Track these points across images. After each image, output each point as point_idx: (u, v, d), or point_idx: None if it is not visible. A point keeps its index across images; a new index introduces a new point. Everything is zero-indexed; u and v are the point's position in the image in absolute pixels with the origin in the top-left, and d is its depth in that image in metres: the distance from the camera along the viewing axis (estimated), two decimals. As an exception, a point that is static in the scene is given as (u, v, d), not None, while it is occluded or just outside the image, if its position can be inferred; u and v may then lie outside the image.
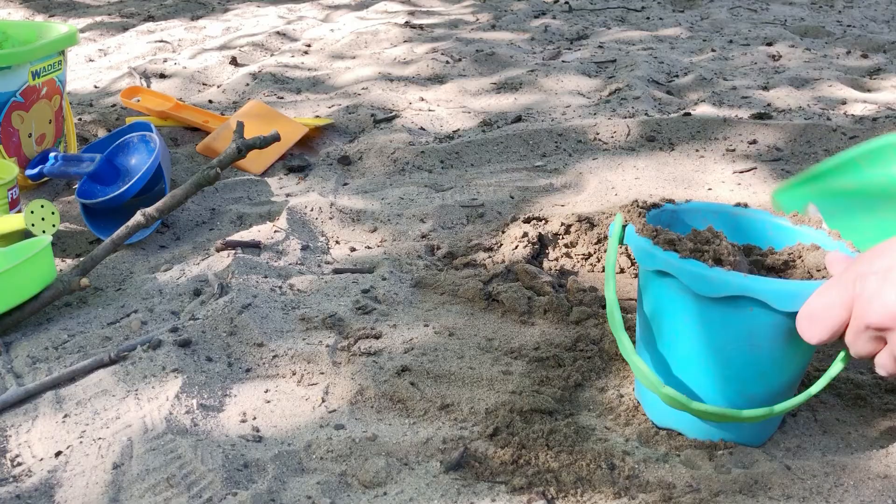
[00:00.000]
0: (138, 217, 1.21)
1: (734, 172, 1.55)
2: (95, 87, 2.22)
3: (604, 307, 1.11)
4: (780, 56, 2.49)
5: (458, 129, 1.84)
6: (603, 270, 1.28)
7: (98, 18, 3.16)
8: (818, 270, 0.82)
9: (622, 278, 1.26)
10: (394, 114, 1.90)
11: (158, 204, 1.24)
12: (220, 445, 0.82)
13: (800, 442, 0.85)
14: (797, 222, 0.90)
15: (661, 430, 0.85)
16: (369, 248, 1.32)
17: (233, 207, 1.45)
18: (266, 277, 1.17)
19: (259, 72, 2.27)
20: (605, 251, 1.30)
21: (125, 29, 2.98)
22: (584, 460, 0.80)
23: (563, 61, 2.41)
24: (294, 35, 2.85)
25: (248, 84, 2.18)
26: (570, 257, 1.29)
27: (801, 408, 0.90)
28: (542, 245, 1.30)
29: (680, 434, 0.85)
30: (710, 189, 1.48)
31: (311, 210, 1.40)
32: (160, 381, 0.93)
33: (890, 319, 0.66)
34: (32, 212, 1.24)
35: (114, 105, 2.03)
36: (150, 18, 3.18)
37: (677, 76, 2.27)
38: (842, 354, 0.75)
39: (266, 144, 1.35)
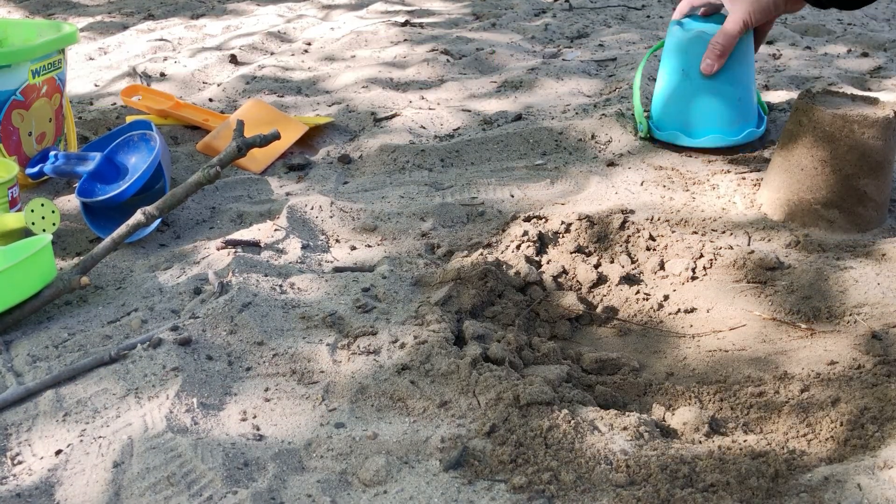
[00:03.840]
0: (138, 216, 1.21)
1: (735, 172, 1.55)
2: (95, 85, 2.22)
3: (603, 308, 1.11)
4: (781, 55, 2.49)
5: (459, 128, 1.84)
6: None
7: (98, 17, 3.16)
8: None
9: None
10: (394, 112, 1.90)
11: (158, 202, 1.24)
12: (220, 444, 0.82)
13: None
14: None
15: (660, 427, 0.85)
16: (369, 246, 1.32)
17: (233, 206, 1.45)
18: (266, 276, 1.17)
19: (259, 70, 2.27)
20: (608, 247, 1.30)
21: (125, 27, 2.98)
22: (583, 458, 0.80)
23: (563, 60, 2.40)
24: (294, 34, 2.85)
25: (248, 82, 2.18)
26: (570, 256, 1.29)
27: None
28: (542, 244, 1.30)
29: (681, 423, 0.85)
30: (710, 187, 1.49)
31: (312, 209, 1.40)
32: (160, 379, 0.93)
33: None
34: (32, 210, 1.24)
35: (114, 104, 2.03)
36: (150, 17, 3.18)
37: (677, 75, 2.26)
38: None
39: (266, 143, 1.35)
